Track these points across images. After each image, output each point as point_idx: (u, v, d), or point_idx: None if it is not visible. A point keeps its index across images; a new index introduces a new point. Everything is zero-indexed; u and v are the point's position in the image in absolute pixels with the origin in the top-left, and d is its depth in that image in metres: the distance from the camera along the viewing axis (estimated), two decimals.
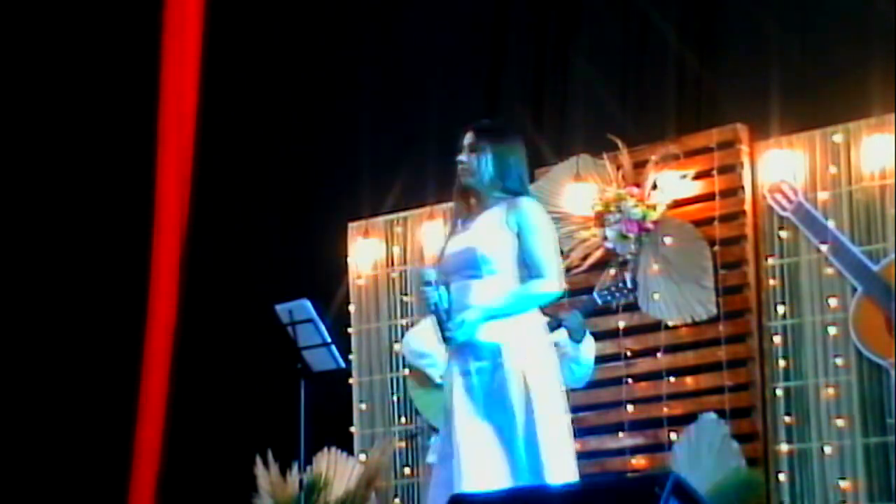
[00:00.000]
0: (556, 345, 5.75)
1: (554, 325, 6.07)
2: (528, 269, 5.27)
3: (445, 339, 5.23)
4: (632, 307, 7.54)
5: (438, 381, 6.66)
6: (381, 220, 8.65)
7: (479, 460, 5.12)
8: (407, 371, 7.77)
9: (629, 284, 6.57)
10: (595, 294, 6.53)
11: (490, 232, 5.28)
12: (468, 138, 5.45)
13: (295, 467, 7.68)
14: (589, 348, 6.44)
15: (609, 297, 6.52)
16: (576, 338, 6.31)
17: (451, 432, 5.23)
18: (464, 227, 5.41)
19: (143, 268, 9.30)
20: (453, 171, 8.36)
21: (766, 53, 7.51)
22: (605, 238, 7.67)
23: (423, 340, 6.78)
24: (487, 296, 5.21)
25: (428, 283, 5.26)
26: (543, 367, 5.23)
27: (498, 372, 5.17)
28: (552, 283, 5.26)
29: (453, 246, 5.37)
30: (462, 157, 5.42)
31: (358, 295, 8.66)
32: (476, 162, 5.38)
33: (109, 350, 9.29)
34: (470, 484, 5.07)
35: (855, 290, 7.10)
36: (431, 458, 6.77)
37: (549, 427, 5.14)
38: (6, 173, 9.70)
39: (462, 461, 5.13)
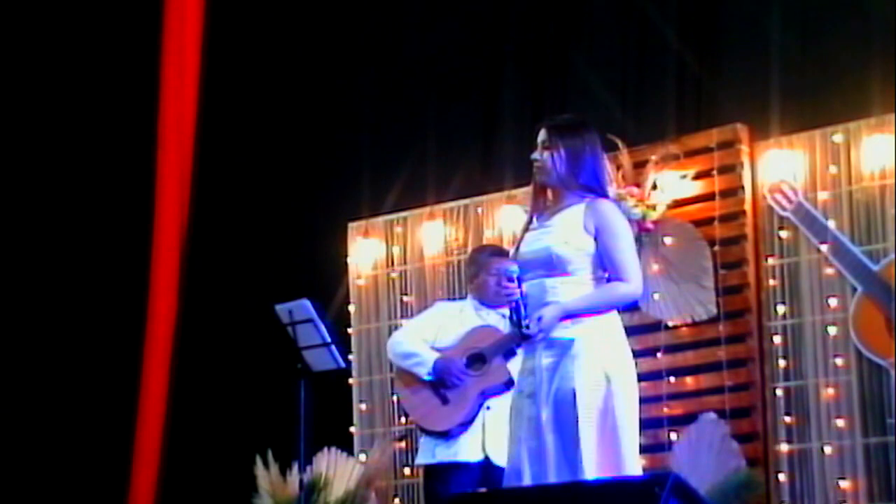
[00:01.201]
0: None
1: None
2: (606, 271, 5.21)
3: (522, 336, 5.20)
4: (632, 307, 7.54)
5: (426, 377, 6.68)
6: (381, 220, 8.65)
7: (543, 457, 5.09)
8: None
9: None
10: None
11: (568, 232, 5.20)
12: (541, 135, 5.33)
13: (295, 467, 7.68)
14: None
15: None
16: None
17: (519, 428, 5.19)
18: (540, 225, 5.31)
19: (143, 268, 9.30)
20: (453, 172, 8.52)
21: (766, 53, 7.51)
22: None
23: (407, 341, 6.80)
24: (563, 295, 5.16)
25: (511, 280, 5.17)
26: (622, 365, 5.17)
27: (569, 368, 5.10)
28: (633, 285, 5.20)
29: (529, 243, 5.29)
30: (536, 154, 5.31)
31: (358, 295, 8.66)
32: (549, 159, 5.27)
33: (109, 349, 9.28)
34: (533, 478, 5.07)
35: (855, 290, 7.10)
36: (420, 459, 6.79)
37: (627, 425, 5.09)
38: (6, 174, 9.70)
39: (526, 458, 5.11)
